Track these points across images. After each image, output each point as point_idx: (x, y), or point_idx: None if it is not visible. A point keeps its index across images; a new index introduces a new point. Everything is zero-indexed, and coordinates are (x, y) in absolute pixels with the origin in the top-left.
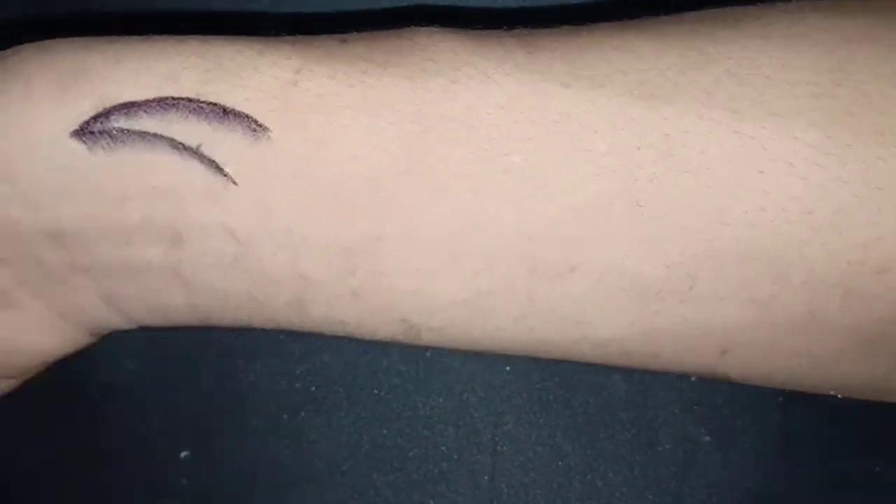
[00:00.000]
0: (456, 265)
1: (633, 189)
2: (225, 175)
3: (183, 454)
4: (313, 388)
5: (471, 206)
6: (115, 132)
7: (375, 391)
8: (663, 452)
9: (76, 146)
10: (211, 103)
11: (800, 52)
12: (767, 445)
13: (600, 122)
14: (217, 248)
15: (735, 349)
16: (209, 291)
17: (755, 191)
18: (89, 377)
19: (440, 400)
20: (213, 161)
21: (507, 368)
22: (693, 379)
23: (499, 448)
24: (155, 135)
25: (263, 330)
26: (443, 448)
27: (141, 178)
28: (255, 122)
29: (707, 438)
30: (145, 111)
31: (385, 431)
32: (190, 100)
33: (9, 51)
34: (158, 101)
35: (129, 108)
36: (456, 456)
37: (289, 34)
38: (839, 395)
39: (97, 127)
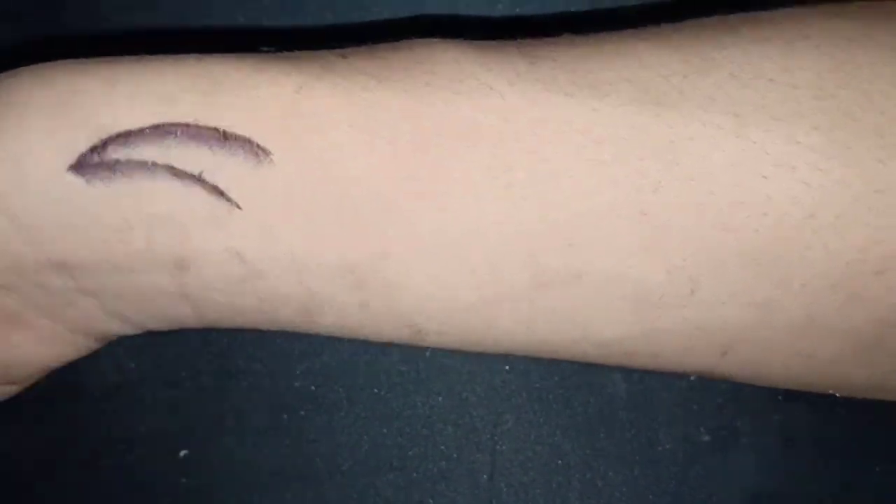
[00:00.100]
0: (461, 275)
1: (638, 199)
2: (228, 200)
3: (183, 454)
4: (313, 388)
5: (475, 220)
6: (112, 163)
7: (375, 390)
8: (663, 452)
9: (74, 180)
10: (211, 128)
11: (801, 55)
12: (767, 445)
13: (605, 131)
14: (224, 270)
15: (736, 350)
16: (218, 307)
17: (758, 196)
18: (89, 377)
19: (440, 399)
20: (216, 187)
21: (507, 368)
22: (693, 379)
23: (498, 447)
24: (154, 163)
25: (263, 330)
26: (442, 447)
27: (142, 207)
28: (257, 145)
29: (707, 438)
30: (143, 140)
31: (385, 431)
32: (188, 125)
33: (1, 77)
34: (156, 129)
35: (126, 137)
36: (455, 455)
37: (289, 47)
38: (838, 395)
39: (94, 159)
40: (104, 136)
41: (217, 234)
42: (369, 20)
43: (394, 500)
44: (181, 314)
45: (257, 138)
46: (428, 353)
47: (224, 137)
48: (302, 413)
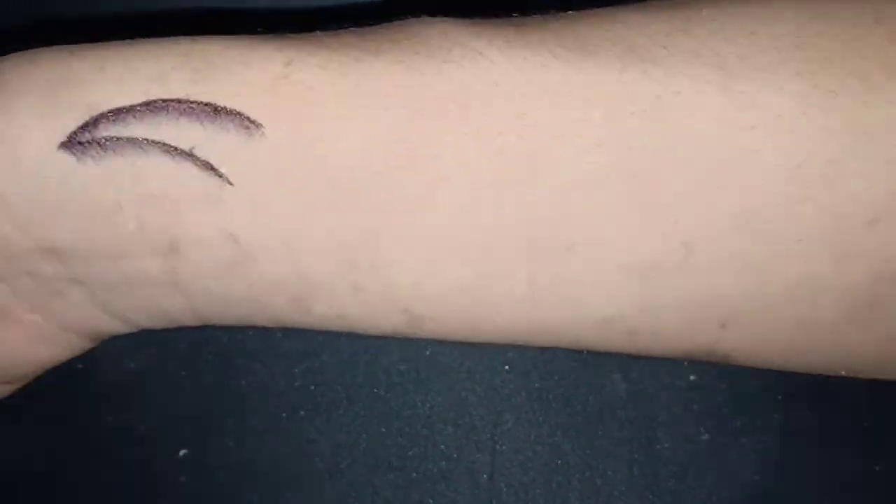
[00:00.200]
0: (455, 252)
1: (629, 159)
2: (220, 176)
3: (182, 453)
4: (312, 388)
5: (467, 191)
6: (104, 141)
7: (374, 390)
8: (663, 452)
9: (65, 158)
10: (201, 103)
11: (780, 8)
12: (767, 445)
13: (593, 90)
14: (215, 252)
15: (734, 321)
16: (209, 296)
17: (747, 149)
18: (89, 377)
19: (439, 399)
20: (208, 162)
21: (507, 368)
22: (693, 378)
23: (498, 447)
24: (146, 140)
25: (263, 329)
26: (442, 447)
27: (134, 187)
28: (248, 118)
29: (707, 437)
30: (134, 116)
31: (384, 430)
32: (180, 101)
33: None
34: (147, 105)
35: (117, 114)
36: (455, 455)
37: (282, 30)
38: (843, 373)
39: (85, 137)
40: (95, 113)
41: (209, 212)
42: (363, 1)
43: (393, 499)
44: (173, 306)
45: (248, 112)
46: (428, 353)
47: (215, 112)
48: (301, 412)
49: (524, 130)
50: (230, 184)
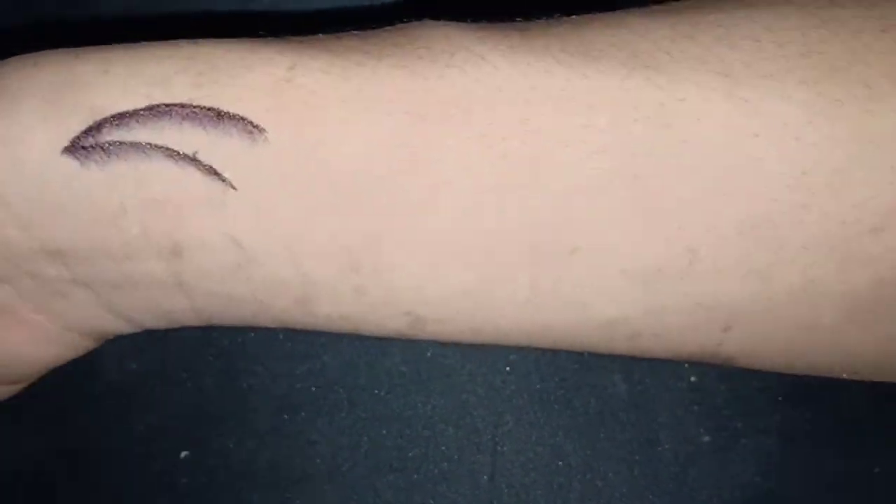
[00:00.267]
0: (457, 255)
1: (632, 164)
2: (223, 180)
3: (183, 454)
4: (314, 389)
5: (470, 195)
6: (107, 145)
7: (376, 391)
8: (663, 452)
9: (68, 163)
10: (204, 107)
11: (785, 15)
12: (767, 445)
13: (597, 96)
14: (218, 256)
15: (738, 325)
16: (213, 297)
17: (751, 156)
18: (89, 377)
19: (440, 400)
20: (211, 167)
21: (508, 369)
22: (693, 379)
23: (499, 448)
24: (149, 145)
25: (264, 331)
26: (443, 448)
27: (137, 191)
28: (251, 123)
29: (707, 438)
30: (137, 121)
31: (385, 432)
32: (183, 105)
33: None
34: (150, 110)
35: (120, 119)
36: (456, 456)
37: (284, 34)
38: (845, 376)
39: (89, 141)
40: (98, 117)
41: (212, 217)
42: (366, 4)
43: (394, 500)
44: (177, 307)
45: (251, 117)
46: (429, 354)
47: (218, 117)
48: (303, 414)
49: (528, 135)
50: (233, 188)
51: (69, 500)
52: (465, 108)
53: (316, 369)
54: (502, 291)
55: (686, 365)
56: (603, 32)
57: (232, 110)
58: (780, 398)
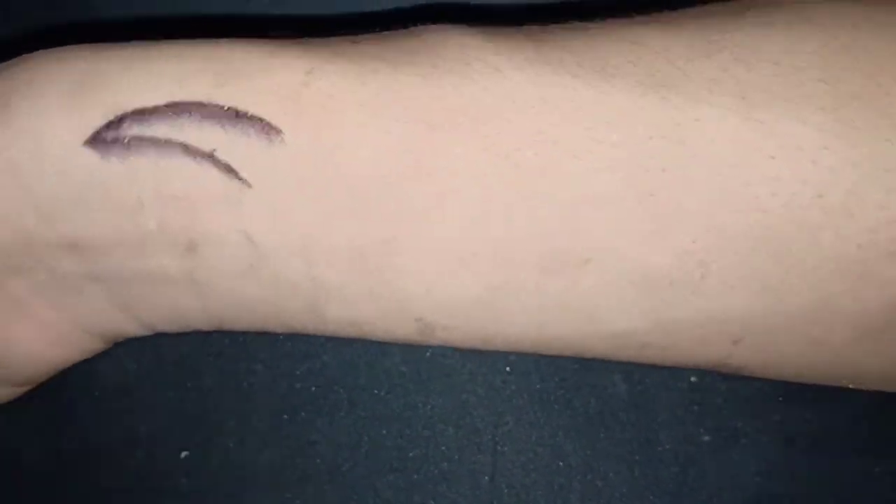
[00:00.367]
0: (468, 262)
1: (645, 179)
2: (240, 179)
3: (184, 454)
4: (314, 389)
5: (482, 203)
6: (127, 140)
7: (376, 391)
8: (663, 452)
9: (89, 155)
10: (223, 107)
11: (805, 38)
12: (767, 445)
13: (611, 113)
14: (232, 254)
15: (747, 339)
16: (224, 297)
17: (766, 176)
18: (91, 378)
19: (440, 400)
20: (228, 165)
21: (508, 369)
22: (693, 379)
23: (499, 448)
24: (168, 141)
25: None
26: (443, 448)
27: (155, 186)
28: (269, 124)
29: (707, 438)
30: (157, 117)
31: (385, 432)
32: (202, 104)
33: (17, 59)
34: (170, 107)
35: (141, 114)
36: (456, 456)
37: (299, 35)
38: (851, 386)
39: (110, 135)
40: (120, 112)
41: (228, 214)
42: (378, 9)
43: (394, 501)
44: (188, 308)
45: (269, 118)
46: (429, 354)
47: (236, 116)
48: (303, 414)
49: (540, 146)
50: (249, 187)
51: (69, 500)
52: (478, 117)
53: (316, 369)
54: (512, 300)
55: None
56: (619, 48)
57: (250, 111)
58: (780, 398)
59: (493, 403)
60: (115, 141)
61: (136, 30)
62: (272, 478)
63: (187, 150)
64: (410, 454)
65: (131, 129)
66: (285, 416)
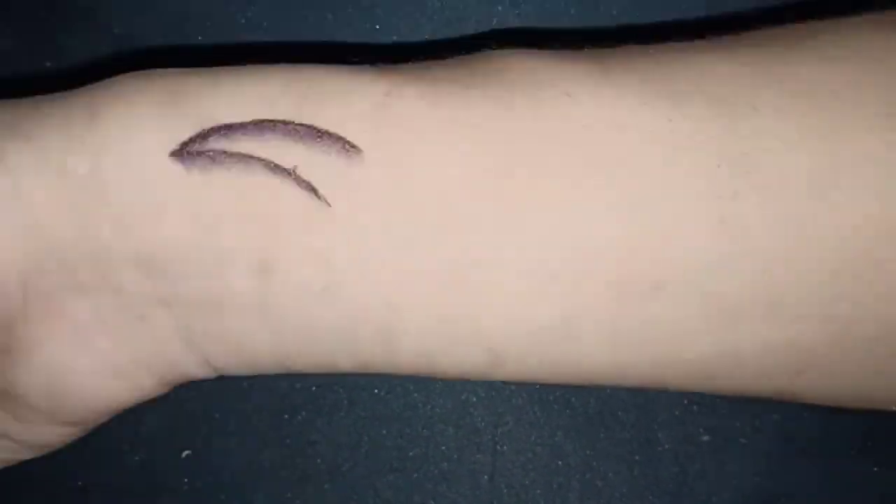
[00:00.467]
0: (542, 288)
1: (717, 206)
2: (320, 197)
3: (185, 454)
4: (314, 389)
5: (557, 229)
6: (212, 153)
7: (376, 391)
8: (663, 452)
9: (173, 166)
10: (306, 125)
11: (868, 71)
12: (767, 445)
13: (680, 139)
14: (307, 275)
15: (811, 369)
16: (294, 325)
17: (834, 207)
18: None
19: (440, 400)
20: (309, 183)
21: None
22: None
23: (499, 448)
24: (251, 157)
25: None
26: (443, 448)
27: (236, 201)
28: (349, 142)
29: (707, 438)
30: (243, 133)
31: (385, 431)
32: (286, 122)
33: (110, 79)
34: (256, 124)
35: (227, 129)
36: (456, 456)
37: (373, 62)
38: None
39: (195, 147)
40: (207, 126)
41: (306, 233)
42: (443, 37)
43: (394, 500)
44: (256, 341)
45: (349, 137)
46: None
47: (318, 134)
48: (302, 413)
49: (614, 172)
50: (329, 206)
51: (70, 500)
52: (552, 144)
53: None
54: (584, 329)
55: None
56: (686, 75)
57: (331, 129)
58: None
59: (493, 403)
60: (201, 153)
61: (221, 56)
62: (273, 477)
63: (269, 166)
64: (410, 454)
65: (217, 143)
66: (285, 416)
